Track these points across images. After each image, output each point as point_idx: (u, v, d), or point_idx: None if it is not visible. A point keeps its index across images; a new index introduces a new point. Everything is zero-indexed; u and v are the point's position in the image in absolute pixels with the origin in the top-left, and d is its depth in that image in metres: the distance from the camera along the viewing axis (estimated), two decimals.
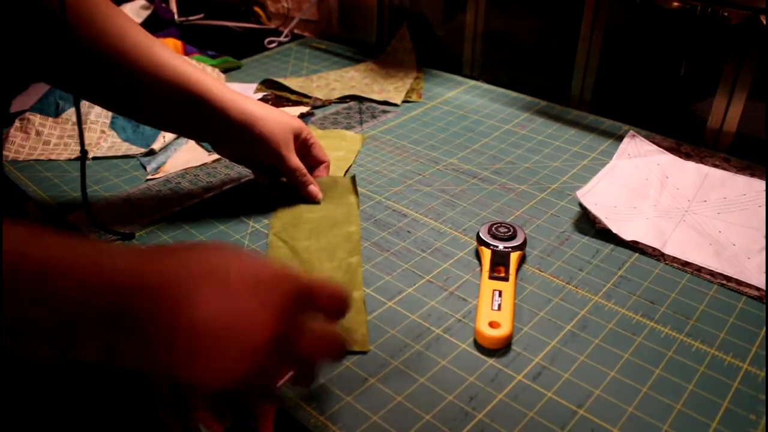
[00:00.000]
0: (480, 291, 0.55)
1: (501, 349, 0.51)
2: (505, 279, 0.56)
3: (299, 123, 0.68)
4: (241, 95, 0.64)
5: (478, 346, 0.51)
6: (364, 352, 0.51)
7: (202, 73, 0.62)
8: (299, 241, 0.62)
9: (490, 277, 0.56)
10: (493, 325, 0.51)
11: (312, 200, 0.68)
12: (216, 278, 0.35)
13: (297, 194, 0.68)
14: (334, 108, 0.93)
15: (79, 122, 0.58)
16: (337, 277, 0.58)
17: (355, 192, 0.70)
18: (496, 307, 0.53)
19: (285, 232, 0.64)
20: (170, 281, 0.34)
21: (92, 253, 0.34)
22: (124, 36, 0.59)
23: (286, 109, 0.92)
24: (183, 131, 0.70)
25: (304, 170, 0.67)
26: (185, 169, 0.77)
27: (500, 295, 0.54)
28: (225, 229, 0.65)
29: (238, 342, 0.34)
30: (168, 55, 0.61)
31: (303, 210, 0.67)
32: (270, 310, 0.35)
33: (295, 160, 0.66)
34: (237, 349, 0.34)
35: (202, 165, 0.77)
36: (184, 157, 0.79)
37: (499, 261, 0.58)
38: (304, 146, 0.69)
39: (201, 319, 0.33)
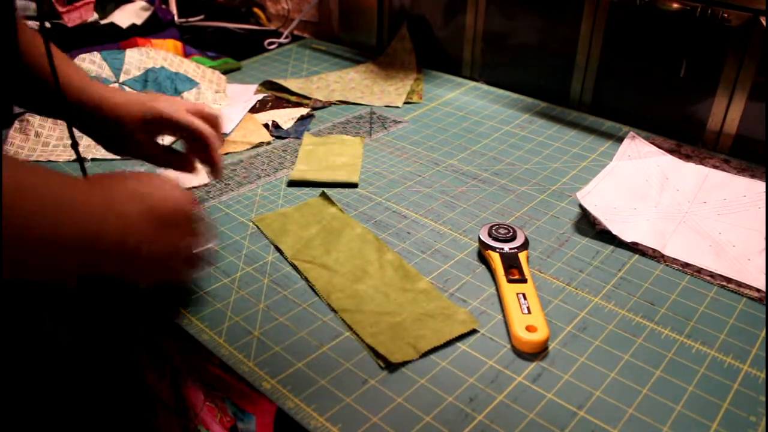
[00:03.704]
0: (502, 296, 0.55)
1: (540, 352, 0.50)
2: (524, 281, 0.56)
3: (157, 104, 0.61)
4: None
5: (479, 346, 0.51)
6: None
7: (78, 78, 0.59)
8: (323, 258, 0.61)
9: (509, 281, 0.56)
10: (529, 329, 0.51)
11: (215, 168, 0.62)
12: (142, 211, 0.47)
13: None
14: (343, 117, 0.92)
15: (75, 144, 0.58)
16: (390, 277, 0.58)
17: (331, 202, 0.69)
18: (526, 311, 0.52)
19: (302, 254, 0.61)
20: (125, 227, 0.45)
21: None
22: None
23: (287, 110, 0.92)
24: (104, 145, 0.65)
25: (199, 123, 0.60)
26: None
27: (525, 297, 0.54)
28: (225, 230, 0.65)
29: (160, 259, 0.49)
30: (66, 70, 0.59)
31: (297, 228, 0.65)
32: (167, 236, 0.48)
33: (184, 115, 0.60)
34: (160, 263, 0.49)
35: None
36: None
37: (512, 263, 0.58)
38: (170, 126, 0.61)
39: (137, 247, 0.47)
